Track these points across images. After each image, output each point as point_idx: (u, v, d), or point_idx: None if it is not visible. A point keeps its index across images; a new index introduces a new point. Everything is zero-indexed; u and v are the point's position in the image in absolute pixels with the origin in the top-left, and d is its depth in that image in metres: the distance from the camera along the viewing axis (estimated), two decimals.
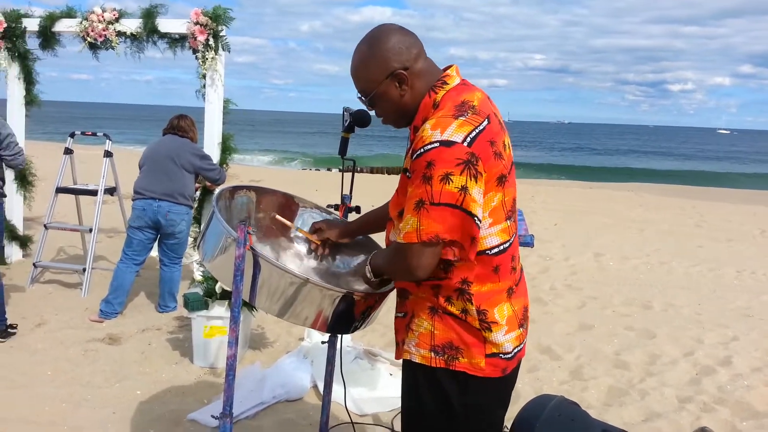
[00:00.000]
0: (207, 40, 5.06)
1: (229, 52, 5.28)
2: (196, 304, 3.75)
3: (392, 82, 1.66)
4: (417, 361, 1.73)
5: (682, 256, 8.38)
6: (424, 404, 1.75)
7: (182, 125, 4.94)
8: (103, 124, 56.60)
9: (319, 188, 14.39)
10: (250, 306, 3.75)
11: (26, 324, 4.43)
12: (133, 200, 4.75)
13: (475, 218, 1.56)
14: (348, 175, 2.37)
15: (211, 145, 5.39)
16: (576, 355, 4.43)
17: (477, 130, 1.55)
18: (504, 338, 1.69)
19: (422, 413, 1.77)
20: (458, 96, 1.63)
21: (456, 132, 1.53)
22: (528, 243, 2.80)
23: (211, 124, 5.37)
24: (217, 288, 3.72)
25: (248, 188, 2.14)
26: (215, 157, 5.41)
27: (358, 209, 2.35)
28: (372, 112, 1.84)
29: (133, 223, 4.75)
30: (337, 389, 3.63)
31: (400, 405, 3.43)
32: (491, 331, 1.67)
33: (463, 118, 1.56)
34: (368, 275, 1.91)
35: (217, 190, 1.96)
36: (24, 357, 3.91)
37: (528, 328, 1.83)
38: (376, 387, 3.57)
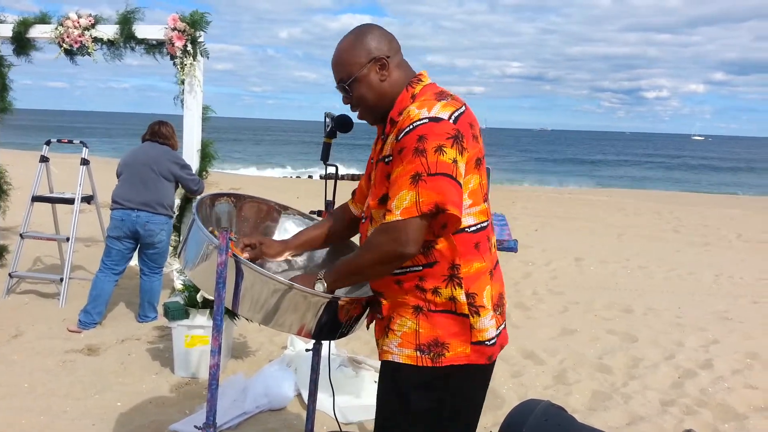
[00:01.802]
0: (185, 46, 5.01)
1: (208, 58, 5.23)
2: (176, 313, 3.69)
3: (374, 66, 1.76)
4: (400, 361, 1.72)
5: (661, 261, 8.48)
6: (408, 403, 1.74)
7: (164, 132, 4.86)
8: (79, 133, 55.87)
9: (300, 195, 14.34)
10: (231, 314, 3.70)
11: (2, 335, 4.33)
12: (111, 210, 4.66)
13: (461, 188, 1.63)
14: (331, 181, 2.34)
15: (191, 152, 5.33)
16: (559, 360, 4.44)
17: (458, 112, 1.66)
18: (488, 324, 1.72)
19: (406, 412, 1.76)
20: (436, 88, 1.75)
21: (441, 110, 1.63)
22: (512, 248, 2.81)
23: (190, 131, 5.31)
24: (199, 297, 3.66)
25: (228, 195, 2.11)
26: (195, 165, 5.35)
27: None
28: (344, 111, 1.86)
29: (112, 233, 4.66)
30: (321, 397, 3.59)
31: None
32: (479, 315, 1.70)
33: (445, 101, 1.67)
34: (318, 288, 1.75)
35: (198, 198, 1.93)
36: (0, 369, 3.82)
37: (504, 314, 1.85)
38: (361, 395, 3.54)
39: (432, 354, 1.69)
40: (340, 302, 1.79)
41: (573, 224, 11.89)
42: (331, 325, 1.82)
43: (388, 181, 1.68)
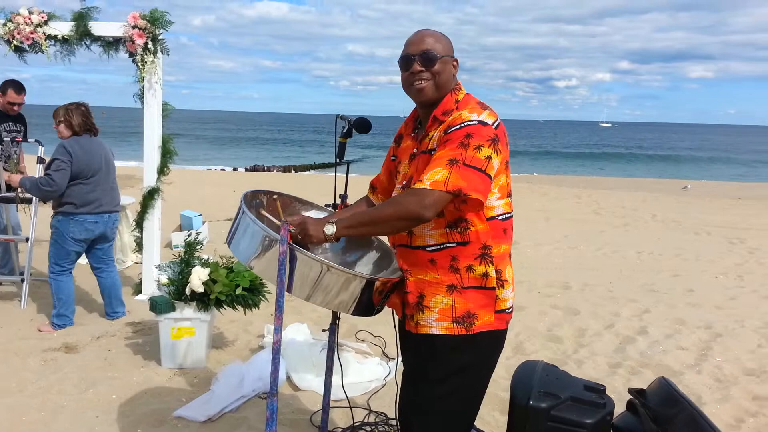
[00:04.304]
0: (146, 43, 5.05)
1: (168, 55, 5.29)
2: (164, 306, 3.81)
3: (452, 61, 2.10)
4: (439, 333, 2.01)
5: (588, 241, 9.17)
6: (441, 367, 2.04)
7: (94, 123, 4.66)
8: None
9: (236, 189, 14.28)
10: (218, 305, 3.86)
11: None
12: (78, 214, 4.45)
13: (492, 180, 1.94)
14: (342, 177, 2.58)
15: (151, 148, 5.37)
16: (515, 333, 4.86)
17: (498, 121, 1.99)
18: (509, 295, 2.06)
19: (438, 375, 2.05)
20: (476, 99, 2.07)
21: (487, 117, 1.96)
22: None
23: (150, 127, 5.35)
24: (187, 290, 3.79)
25: (264, 192, 2.33)
26: (156, 161, 5.41)
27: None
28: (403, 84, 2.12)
29: (78, 236, 4.50)
30: (308, 378, 3.85)
31: (370, 388, 3.72)
32: (503, 288, 2.02)
33: (489, 111, 2.00)
34: (326, 232, 1.95)
35: (242, 194, 2.13)
36: None
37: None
38: (347, 374, 3.80)
39: (465, 324, 1.99)
40: (376, 283, 2.05)
41: None
42: (368, 302, 2.08)
43: None
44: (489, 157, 1.91)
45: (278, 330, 1.94)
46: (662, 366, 4.26)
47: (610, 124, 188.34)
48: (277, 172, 27.27)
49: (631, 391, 2.26)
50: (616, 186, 20.00)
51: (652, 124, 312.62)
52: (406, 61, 2.06)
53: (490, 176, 1.92)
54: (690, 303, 5.91)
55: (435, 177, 1.87)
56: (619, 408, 2.40)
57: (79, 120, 4.53)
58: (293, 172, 28.12)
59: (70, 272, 4.66)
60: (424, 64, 2.03)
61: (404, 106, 2.31)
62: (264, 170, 28.03)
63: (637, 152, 51.96)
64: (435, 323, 2.02)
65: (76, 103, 4.60)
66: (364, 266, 2.46)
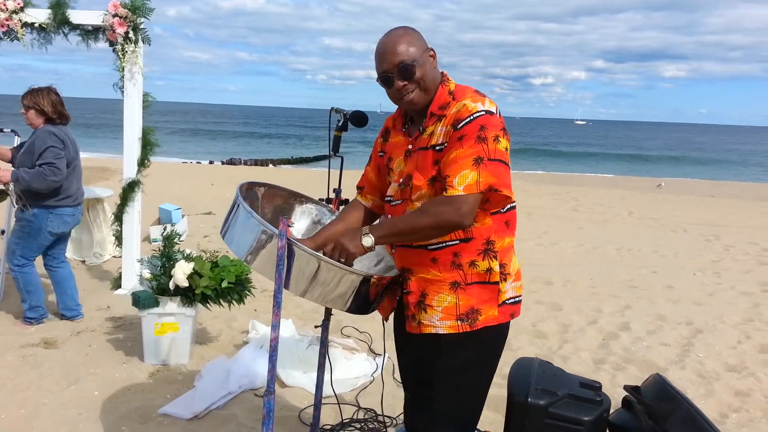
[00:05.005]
0: (127, 32, 4.94)
1: (150, 45, 5.18)
2: (147, 301, 3.72)
3: (429, 54, 1.99)
4: (444, 332, 1.98)
5: (568, 237, 9.24)
6: (446, 366, 2.01)
7: (64, 111, 4.38)
8: None
9: (214, 182, 14.11)
10: (204, 300, 3.79)
11: None
12: (59, 207, 4.27)
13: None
14: (336, 171, 2.54)
15: (132, 140, 5.27)
16: None
17: (498, 109, 1.94)
18: (511, 286, 2.03)
19: (444, 372, 2.02)
20: (470, 87, 2.01)
21: (491, 106, 1.91)
22: None
23: (130, 118, 5.25)
24: (171, 285, 3.71)
25: (260, 184, 2.28)
26: (136, 153, 5.30)
27: (347, 202, 2.53)
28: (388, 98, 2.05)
29: (56, 230, 4.33)
30: (295, 375, 3.81)
31: (357, 385, 3.68)
32: (506, 280, 1.99)
33: (489, 99, 1.94)
34: (365, 245, 1.90)
35: (238, 185, 2.08)
36: None
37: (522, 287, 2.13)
38: (335, 370, 3.76)
39: (469, 320, 1.96)
40: (372, 280, 2.02)
41: None
42: (365, 299, 2.05)
43: (435, 165, 1.92)
44: (507, 148, 1.91)
45: (276, 326, 1.90)
46: (646, 362, 4.30)
47: (585, 122, 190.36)
48: (253, 165, 27.01)
49: (626, 387, 2.27)
50: (592, 183, 20.21)
51: (627, 123, 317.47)
52: (385, 80, 1.97)
53: (509, 166, 1.92)
54: (670, 299, 5.99)
55: (465, 180, 1.83)
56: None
57: (49, 106, 4.26)
58: (270, 165, 27.90)
59: (33, 260, 4.42)
60: (405, 78, 1.94)
61: (381, 100, 2.23)
62: (241, 164, 27.73)
63: (612, 150, 52.56)
64: (439, 322, 1.99)
65: (46, 87, 4.34)
66: (359, 262, 2.43)
